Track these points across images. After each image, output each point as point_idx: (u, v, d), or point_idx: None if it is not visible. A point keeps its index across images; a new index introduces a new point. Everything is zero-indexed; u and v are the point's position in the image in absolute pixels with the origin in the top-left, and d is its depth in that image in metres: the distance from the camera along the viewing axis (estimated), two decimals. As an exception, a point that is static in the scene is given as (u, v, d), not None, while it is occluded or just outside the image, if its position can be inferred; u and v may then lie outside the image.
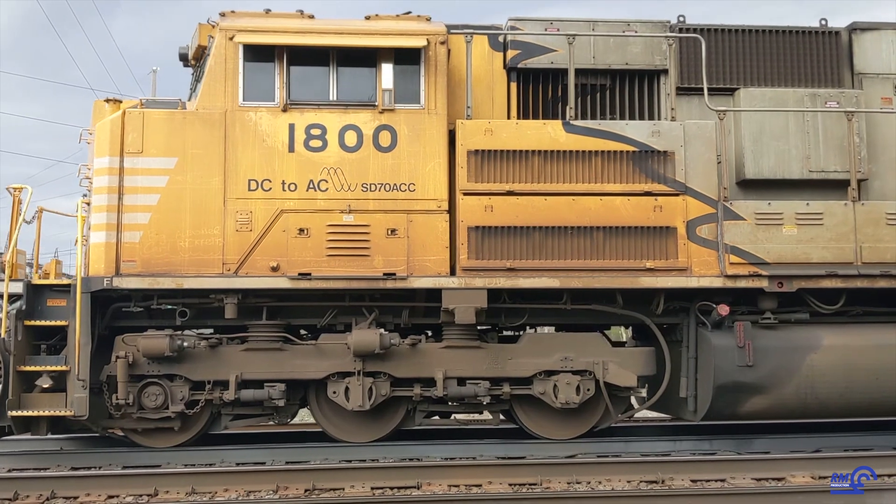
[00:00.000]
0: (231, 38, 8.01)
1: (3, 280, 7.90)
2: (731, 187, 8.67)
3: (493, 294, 8.10)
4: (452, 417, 9.02)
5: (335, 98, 8.10)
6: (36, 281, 8.06)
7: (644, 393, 9.15)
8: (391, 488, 6.94)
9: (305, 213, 7.93)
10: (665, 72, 8.90)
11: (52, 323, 7.90)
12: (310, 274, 7.85)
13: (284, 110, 8.00)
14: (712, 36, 8.95)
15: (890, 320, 8.55)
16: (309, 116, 8.03)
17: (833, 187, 8.58)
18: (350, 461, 7.83)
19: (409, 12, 8.73)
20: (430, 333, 8.61)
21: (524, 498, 6.69)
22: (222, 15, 8.39)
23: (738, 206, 8.21)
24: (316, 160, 7.99)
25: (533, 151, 8.11)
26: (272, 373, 8.07)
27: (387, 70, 8.04)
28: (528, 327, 9.35)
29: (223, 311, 7.96)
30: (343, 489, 6.89)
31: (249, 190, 7.91)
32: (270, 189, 7.93)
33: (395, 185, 8.03)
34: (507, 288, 8.07)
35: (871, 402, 8.36)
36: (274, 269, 7.86)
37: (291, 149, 7.98)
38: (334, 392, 8.11)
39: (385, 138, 8.07)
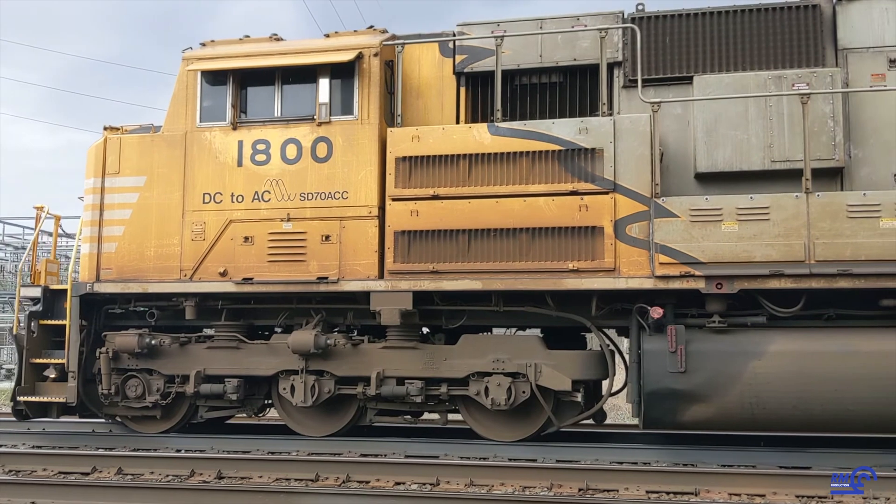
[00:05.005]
0: (189, 67, 8.87)
1: (23, 286, 9.38)
2: (689, 182, 8.23)
3: (423, 296, 8.29)
4: (423, 416, 9.24)
5: (279, 115, 8.69)
6: (53, 286, 9.45)
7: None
8: (667, 493, 6.75)
9: (250, 223, 8.59)
10: (618, 64, 8.59)
11: (59, 322, 9.23)
12: (252, 279, 8.51)
13: (234, 128, 8.72)
14: (667, 22, 8.46)
15: (870, 324, 7.63)
16: (255, 133, 8.69)
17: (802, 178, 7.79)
18: (622, 463, 7.79)
19: (372, 26, 9.13)
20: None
21: None
22: (203, 44, 9.30)
23: (671, 203, 7.71)
24: (261, 173, 8.62)
25: (460, 156, 8.17)
26: (230, 369, 8.82)
27: (323, 84, 8.53)
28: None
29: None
30: (617, 491, 6.81)
31: (203, 203, 8.72)
32: (221, 201, 8.68)
33: (329, 193, 8.46)
34: (432, 290, 8.20)
35: (835, 415, 7.49)
36: (222, 275, 8.60)
37: (240, 163, 8.69)
38: (283, 388, 8.71)
39: (322, 149, 8.53)
